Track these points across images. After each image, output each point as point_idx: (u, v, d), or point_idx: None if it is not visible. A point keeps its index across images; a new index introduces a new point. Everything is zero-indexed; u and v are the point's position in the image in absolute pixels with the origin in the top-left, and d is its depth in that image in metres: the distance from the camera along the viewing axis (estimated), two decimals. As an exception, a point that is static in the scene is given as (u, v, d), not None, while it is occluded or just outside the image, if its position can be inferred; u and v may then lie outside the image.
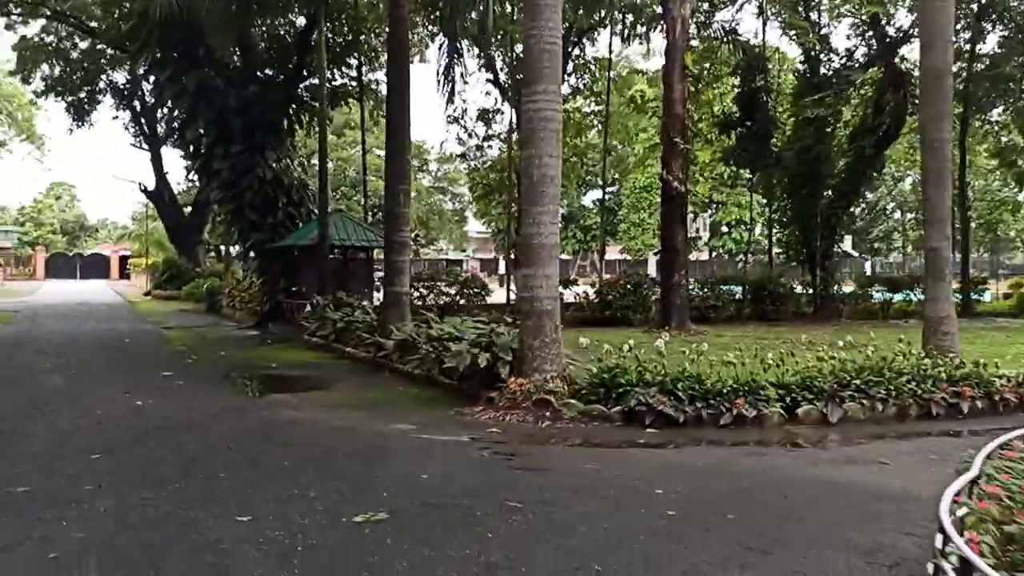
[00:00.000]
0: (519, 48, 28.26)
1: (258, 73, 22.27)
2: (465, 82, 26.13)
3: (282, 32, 24.18)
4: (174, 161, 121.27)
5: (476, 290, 23.24)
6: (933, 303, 12.14)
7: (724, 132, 27.78)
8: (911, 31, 25.54)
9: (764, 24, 27.40)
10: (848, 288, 29.06)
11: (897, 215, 61.67)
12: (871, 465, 7.31)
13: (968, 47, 27.30)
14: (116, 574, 4.56)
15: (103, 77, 38.80)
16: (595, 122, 34.04)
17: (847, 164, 27.39)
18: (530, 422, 9.16)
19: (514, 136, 31.82)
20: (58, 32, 36.87)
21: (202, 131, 20.94)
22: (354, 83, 26.58)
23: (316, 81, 23.58)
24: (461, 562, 4.69)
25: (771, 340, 17.23)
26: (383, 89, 28.53)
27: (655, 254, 62.98)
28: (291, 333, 19.41)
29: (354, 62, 25.94)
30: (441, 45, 18.78)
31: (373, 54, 24.76)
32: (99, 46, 36.55)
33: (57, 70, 37.70)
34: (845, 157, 27.55)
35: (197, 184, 43.00)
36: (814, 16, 27.81)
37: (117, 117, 41.37)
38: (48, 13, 33.93)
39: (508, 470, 7.11)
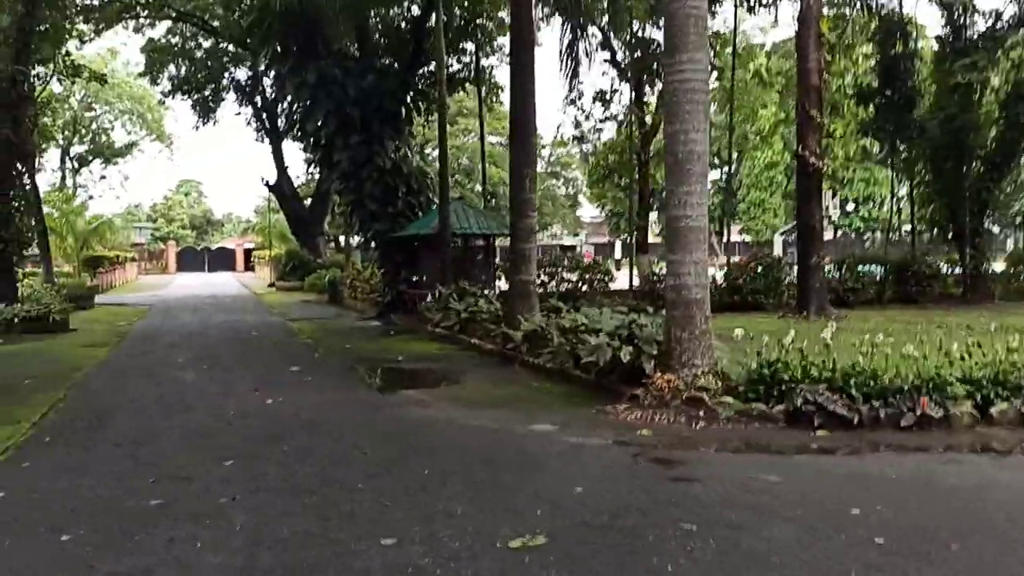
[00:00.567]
0: (637, 26, 27.36)
1: (375, 63, 22.03)
2: (589, 58, 25.16)
3: (397, 20, 23.91)
4: (294, 154, 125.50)
5: (599, 276, 22.44)
6: None
7: (861, 103, 25.94)
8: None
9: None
10: (999, 267, 26.83)
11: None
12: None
13: None
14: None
15: (226, 74, 39.81)
16: (715, 99, 32.54)
17: (999, 134, 25.14)
18: (682, 423, 8.37)
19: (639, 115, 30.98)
20: (183, 33, 37.99)
21: (321, 122, 20.86)
22: (470, 70, 26.17)
23: (432, 68, 23.27)
24: (646, 606, 3.99)
25: (923, 325, 15.83)
26: (497, 75, 28.11)
27: (780, 234, 60.68)
28: (413, 324, 19.12)
29: (470, 46, 25.52)
30: (565, 22, 17.92)
31: (489, 38, 24.19)
32: (222, 44, 37.52)
33: (183, 70, 38.91)
34: (996, 126, 25.30)
35: (317, 176, 43.85)
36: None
37: (240, 113, 42.69)
38: (173, 14, 34.92)
39: (670, 482, 6.35)
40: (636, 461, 6.94)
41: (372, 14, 22.83)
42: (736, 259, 26.79)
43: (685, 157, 9.11)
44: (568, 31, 16.55)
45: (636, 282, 25.17)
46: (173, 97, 40.21)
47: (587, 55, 22.36)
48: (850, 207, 61.19)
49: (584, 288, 22.18)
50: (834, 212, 60.53)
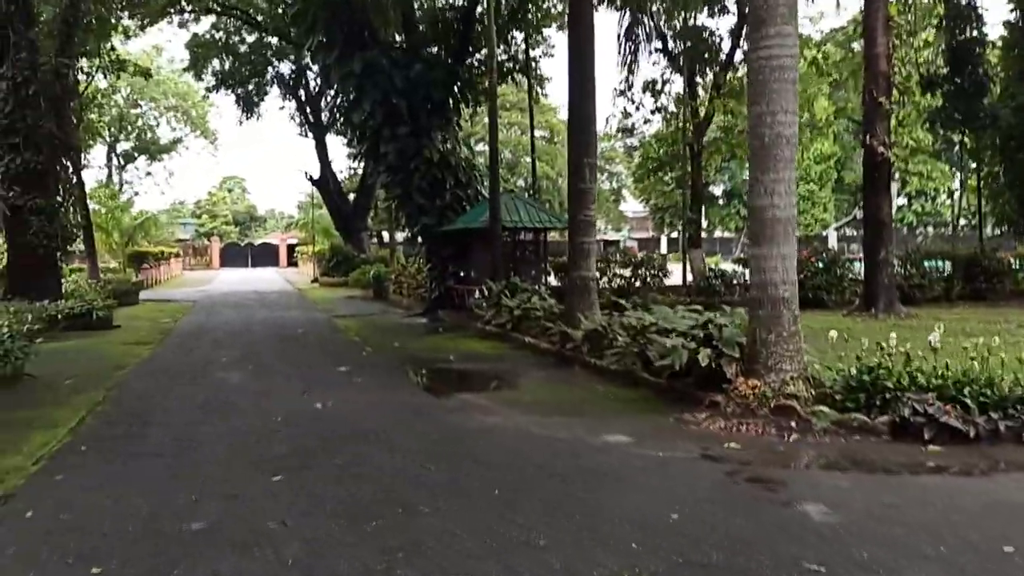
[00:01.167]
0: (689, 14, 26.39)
1: (422, 52, 21.38)
2: (639, 47, 24.25)
3: (445, 8, 23.25)
4: (337, 149, 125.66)
5: (653, 271, 21.59)
6: None
7: (928, 90, 24.68)
8: None
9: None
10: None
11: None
12: None
13: None
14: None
15: (269, 68, 39.61)
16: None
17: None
18: (772, 434, 7.57)
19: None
20: (226, 27, 37.84)
21: (368, 114, 20.24)
22: (515, 60, 25.46)
23: (480, 57, 22.58)
24: None
25: (1002, 324, 14.84)
26: (542, 67, 27.36)
27: (836, 228, 59.08)
28: (462, 320, 18.47)
29: (516, 37, 24.82)
30: (621, 6, 17.09)
31: (538, 26, 23.42)
32: (265, 38, 37.29)
33: (226, 64, 38.75)
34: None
35: (360, 171, 43.47)
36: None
37: (283, 107, 42.32)
38: (217, 9, 34.71)
39: (774, 507, 5.55)
40: (732, 480, 6.16)
41: (419, 2, 22.22)
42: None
43: (772, 141, 8.28)
44: (627, 15, 15.70)
45: (689, 278, 24.32)
46: (217, 92, 40.14)
47: (645, 39, 21.51)
48: (902, 200, 59.44)
49: (637, 284, 21.36)
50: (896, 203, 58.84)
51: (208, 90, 41.27)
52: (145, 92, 58.35)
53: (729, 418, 8.05)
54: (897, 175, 41.91)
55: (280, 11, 30.20)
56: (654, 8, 23.00)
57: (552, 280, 20.95)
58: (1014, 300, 21.49)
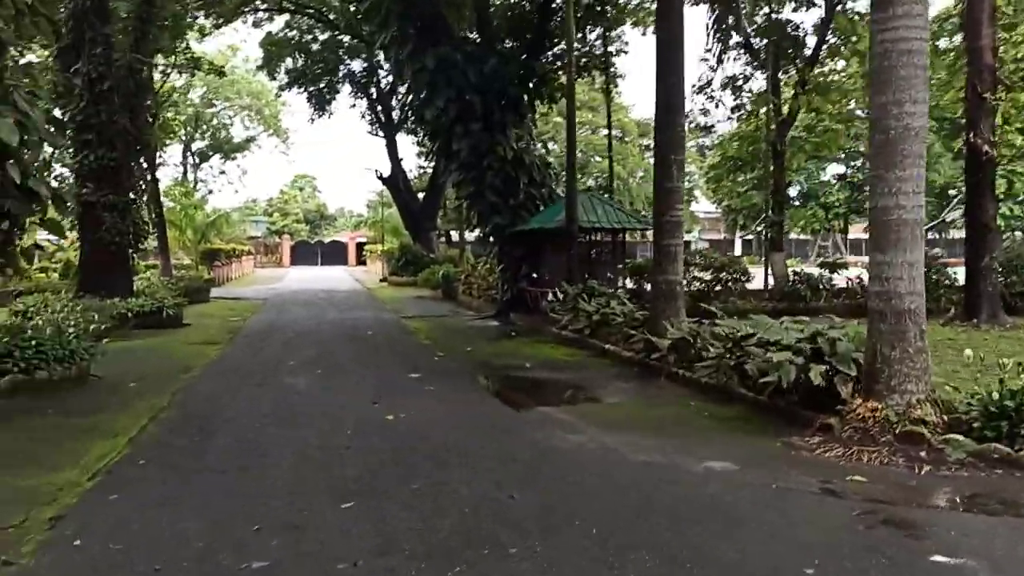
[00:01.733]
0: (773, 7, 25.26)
1: (496, 46, 20.73)
2: (736, 35, 23.24)
3: (521, 1, 22.60)
4: (407, 148, 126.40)
5: (735, 275, 20.54)
6: None
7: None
8: None
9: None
10: None
11: None
12: None
13: None
14: None
15: (341, 67, 39.51)
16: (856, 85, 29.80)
17: None
18: (900, 465, 6.68)
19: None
20: (300, 26, 37.89)
21: (441, 110, 19.67)
22: (591, 56, 24.70)
23: (556, 52, 21.88)
24: None
25: None
26: (617, 64, 26.48)
27: (926, 231, 56.65)
28: (536, 324, 17.77)
29: (591, 33, 24.06)
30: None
31: (616, 20, 22.59)
32: (338, 36, 37.22)
33: (299, 63, 38.78)
34: None
35: (430, 170, 43.16)
36: None
37: (355, 106, 42.26)
38: (291, 7, 34.74)
39: (922, 560, 4.69)
40: (864, 523, 5.32)
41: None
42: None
43: (899, 135, 7.35)
44: (715, 7, 14.72)
45: (771, 282, 23.20)
46: (289, 90, 40.19)
47: (732, 32, 20.46)
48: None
49: (718, 288, 20.35)
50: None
51: (281, 88, 41.42)
52: (220, 91, 59.10)
53: (846, 444, 7.18)
54: (1018, 177, 39.81)
55: (352, 8, 29.96)
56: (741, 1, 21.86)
57: (628, 283, 20.08)
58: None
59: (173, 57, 28.75)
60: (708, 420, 8.62)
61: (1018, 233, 60.68)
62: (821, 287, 21.16)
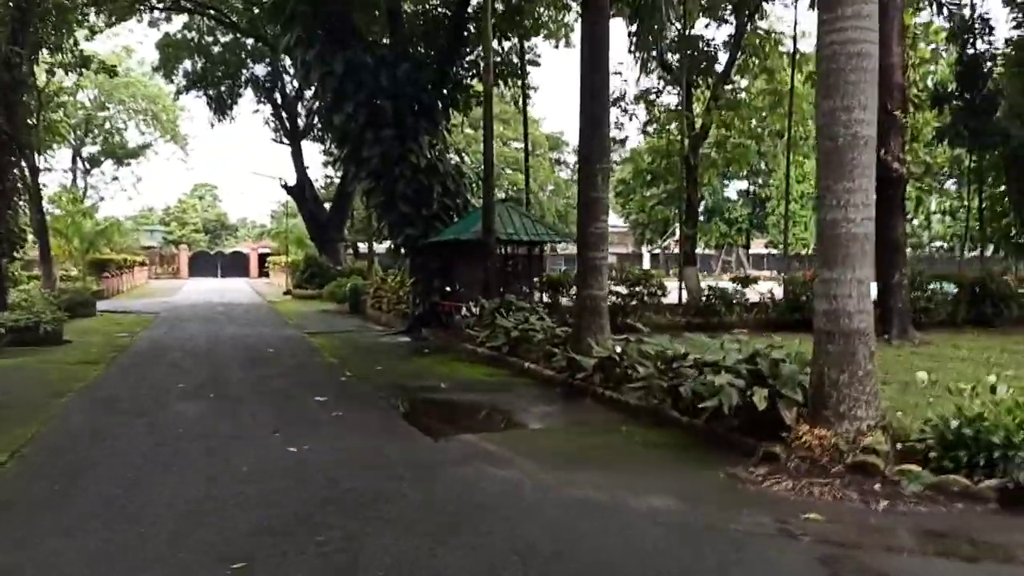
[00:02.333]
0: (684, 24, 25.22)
1: (409, 50, 19.87)
2: (659, 44, 22.95)
3: (435, 5, 21.82)
4: (313, 156, 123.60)
5: (651, 290, 20.19)
6: None
7: (936, 106, 23.63)
8: None
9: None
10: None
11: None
12: None
13: None
14: None
15: (244, 70, 37.91)
16: (765, 102, 30.11)
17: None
18: (854, 500, 6.16)
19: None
20: (199, 27, 36.19)
21: (350, 115, 18.69)
22: (507, 65, 24.12)
23: (472, 58, 21.19)
24: None
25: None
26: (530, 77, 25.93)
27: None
28: (449, 340, 16.96)
29: (508, 42, 23.47)
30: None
31: (534, 27, 22.06)
32: (240, 39, 35.68)
33: (199, 65, 37.01)
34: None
35: (336, 180, 41.83)
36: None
37: (258, 111, 40.65)
38: (189, 6, 33.04)
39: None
40: (833, 573, 4.73)
41: (407, -1, 20.84)
42: (804, 273, 24.34)
43: (847, 143, 6.89)
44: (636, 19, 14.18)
45: (685, 297, 23.01)
46: (187, 93, 38.25)
47: (652, 46, 20.08)
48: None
49: (634, 303, 19.95)
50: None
51: (178, 92, 39.39)
52: (113, 94, 56.31)
53: (795, 476, 6.63)
54: (925, 194, 40.99)
55: (256, 11, 28.61)
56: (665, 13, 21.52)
57: (544, 298, 19.45)
58: (1022, 326, 20.41)
59: (60, 55, 26.82)
60: (643, 448, 7.98)
61: (918, 250, 63.19)
62: (735, 302, 21.03)
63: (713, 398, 7.59)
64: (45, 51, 23.97)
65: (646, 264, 60.55)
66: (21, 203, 19.71)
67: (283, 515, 5.68)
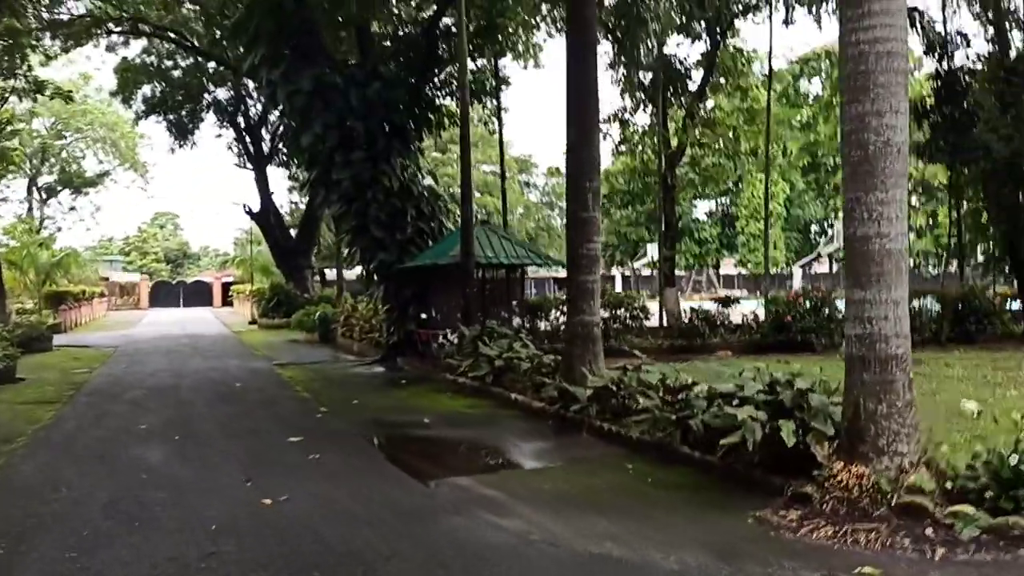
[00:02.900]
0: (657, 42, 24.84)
1: (380, 69, 19.16)
2: (632, 69, 22.54)
3: (407, 22, 21.17)
4: (278, 182, 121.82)
5: (634, 312, 19.60)
6: None
7: (915, 121, 23.46)
8: None
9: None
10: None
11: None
12: None
13: None
14: None
15: (206, 95, 36.95)
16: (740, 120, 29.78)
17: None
18: (908, 548, 5.48)
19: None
20: (159, 52, 35.24)
21: (319, 137, 17.91)
22: (481, 82, 23.53)
23: (443, 78, 20.56)
24: None
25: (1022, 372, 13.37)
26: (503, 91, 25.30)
27: (800, 266, 58.19)
28: (427, 370, 16.17)
29: (480, 62, 22.88)
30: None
31: (508, 45, 21.47)
32: (201, 62, 34.76)
33: (158, 90, 35.99)
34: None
35: (303, 206, 40.83)
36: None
37: (220, 135, 39.58)
38: (148, 30, 32.08)
39: None
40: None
41: (378, 17, 20.12)
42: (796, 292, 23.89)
43: (878, 151, 6.30)
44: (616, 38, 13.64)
45: (667, 320, 22.45)
46: (147, 118, 37.13)
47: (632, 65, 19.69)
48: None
49: (616, 326, 19.33)
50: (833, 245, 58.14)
51: (137, 117, 38.24)
52: (70, 122, 54.88)
53: (832, 520, 5.96)
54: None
55: (218, 34, 27.75)
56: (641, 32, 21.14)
57: (524, 323, 18.73)
58: (1006, 343, 20.08)
59: (13, 80, 25.78)
60: (654, 489, 7.27)
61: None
62: (718, 323, 20.49)
63: (734, 433, 6.92)
64: (-6, 75, 22.99)
65: (618, 286, 60.08)
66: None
67: (260, 586, 4.87)
